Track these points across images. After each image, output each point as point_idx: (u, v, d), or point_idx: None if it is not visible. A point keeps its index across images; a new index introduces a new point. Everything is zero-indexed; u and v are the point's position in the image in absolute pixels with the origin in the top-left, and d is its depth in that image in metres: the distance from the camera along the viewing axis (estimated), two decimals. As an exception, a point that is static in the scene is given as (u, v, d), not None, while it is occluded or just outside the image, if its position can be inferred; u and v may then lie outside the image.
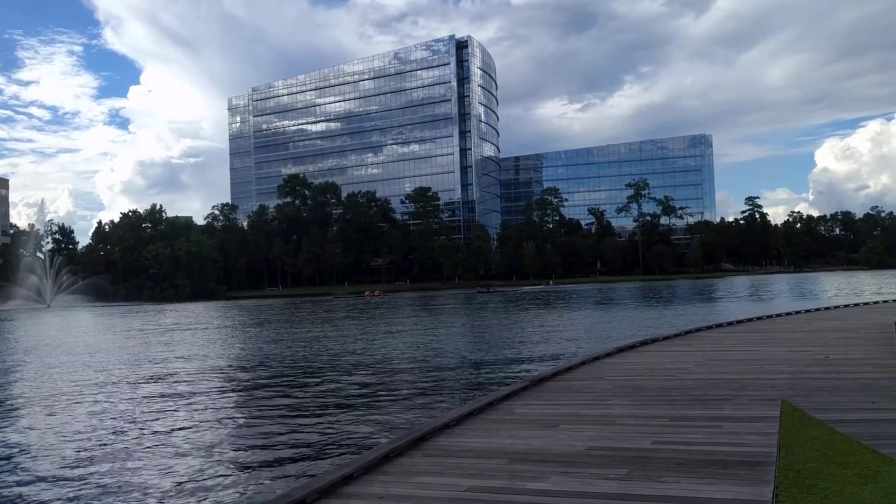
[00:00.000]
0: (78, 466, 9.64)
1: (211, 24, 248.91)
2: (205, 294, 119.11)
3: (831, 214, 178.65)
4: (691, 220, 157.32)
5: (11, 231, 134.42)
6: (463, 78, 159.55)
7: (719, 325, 19.14)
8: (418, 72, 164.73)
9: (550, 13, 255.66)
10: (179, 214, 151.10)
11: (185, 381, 17.92)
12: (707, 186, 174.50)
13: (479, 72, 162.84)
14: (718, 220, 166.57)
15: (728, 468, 5.47)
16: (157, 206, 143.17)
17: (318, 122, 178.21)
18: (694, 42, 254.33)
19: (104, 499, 8.16)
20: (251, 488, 8.33)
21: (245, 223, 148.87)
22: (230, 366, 21.28)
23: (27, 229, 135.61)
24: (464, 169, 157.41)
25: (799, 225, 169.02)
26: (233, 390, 16.55)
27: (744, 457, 5.79)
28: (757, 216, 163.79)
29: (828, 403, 7.98)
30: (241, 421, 12.66)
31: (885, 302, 27.70)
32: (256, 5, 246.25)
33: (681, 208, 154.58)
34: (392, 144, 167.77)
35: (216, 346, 28.68)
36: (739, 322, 19.85)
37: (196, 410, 13.65)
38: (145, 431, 11.86)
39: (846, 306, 26.40)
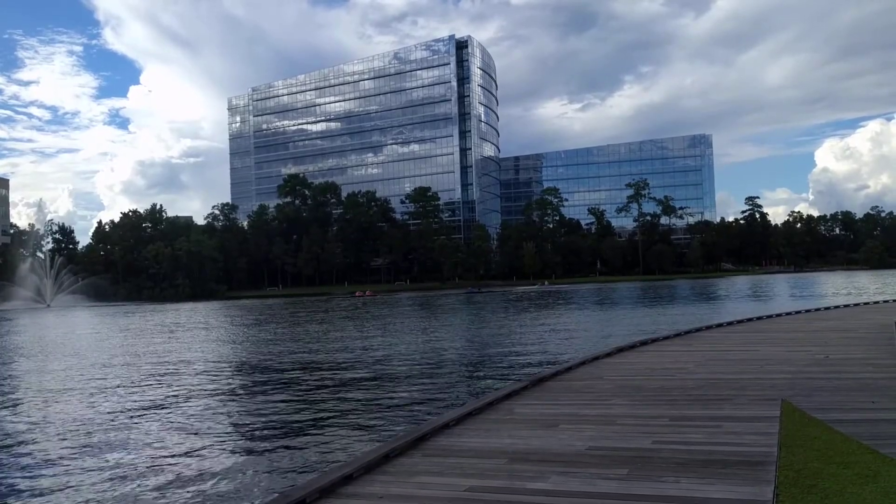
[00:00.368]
0: (75, 467, 9.63)
1: (211, 24, 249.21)
2: (205, 294, 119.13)
3: (831, 214, 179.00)
4: (691, 220, 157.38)
5: (11, 231, 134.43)
6: (463, 78, 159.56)
7: (719, 325, 19.13)
8: (418, 72, 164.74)
9: (550, 13, 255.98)
10: (179, 214, 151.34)
11: (184, 381, 17.91)
12: (707, 186, 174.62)
13: (479, 72, 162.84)
14: (718, 220, 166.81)
15: (728, 468, 5.47)
16: (158, 206, 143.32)
17: (318, 121, 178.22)
18: (694, 42, 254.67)
19: (103, 499, 8.16)
20: (251, 488, 8.32)
21: (245, 223, 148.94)
22: (228, 365, 21.28)
23: (27, 229, 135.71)
24: (464, 169, 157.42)
25: (799, 225, 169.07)
26: (230, 390, 16.54)
27: (744, 457, 5.79)
28: (757, 216, 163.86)
29: (828, 403, 7.98)
30: (239, 420, 12.65)
31: (885, 302, 27.69)
32: (256, 5, 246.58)
33: (681, 208, 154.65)
34: (392, 144, 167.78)
35: (215, 345, 28.69)
36: (739, 322, 19.84)
37: (195, 410, 13.64)
38: (145, 431, 11.85)
39: (846, 306, 26.39)
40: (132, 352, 26.79)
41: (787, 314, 22.50)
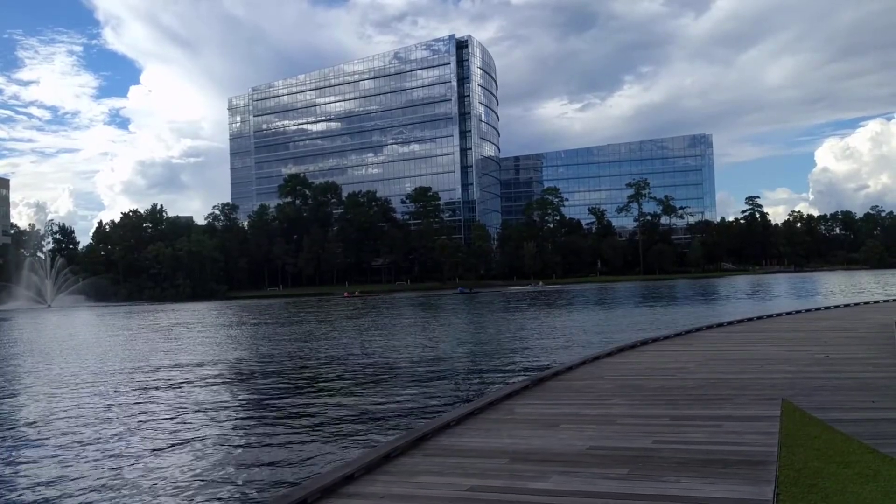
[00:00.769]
0: (74, 467, 9.64)
1: (211, 24, 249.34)
2: (205, 294, 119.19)
3: (831, 214, 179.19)
4: (692, 220, 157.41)
5: (12, 231, 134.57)
6: (463, 78, 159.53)
7: (720, 325, 19.12)
8: (418, 71, 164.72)
9: (550, 13, 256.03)
10: (180, 214, 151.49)
11: (185, 381, 17.92)
12: (707, 186, 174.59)
13: (479, 71, 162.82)
14: (719, 219, 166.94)
15: (729, 467, 5.47)
16: (158, 206, 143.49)
17: (319, 121, 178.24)
18: (694, 42, 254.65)
19: (103, 499, 8.17)
20: (252, 488, 8.33)
21: (245, 223, 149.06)
22: (229, 365, 21.28)
23: (28, 229, 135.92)
24: (464, 169, 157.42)
25: (799, 225, 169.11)
26: (231, 390, 16.55)
27: (744, 456, 5.79)
28: (757, 216, 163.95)
29: (828, 403, 7.98)
30: (240, 420, 12.67)
31: (885, 301, 27.68)
32: (256, 5, 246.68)
33: (681, 208, 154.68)
34: (392, 144, 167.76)
35: (216, 345, 28.69)
36: (740, 321, 19.84)
37: (195, 410, 13.65)
38: (145, 431, 11.87)
39: (846, 306, 26.38)
40: (132, 351, 26.80)
41: (788, 314, 22.48)
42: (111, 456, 10.18)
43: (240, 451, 10.25)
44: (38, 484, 8.89)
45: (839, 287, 61.91)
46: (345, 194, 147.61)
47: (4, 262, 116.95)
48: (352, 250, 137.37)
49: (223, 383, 17.63)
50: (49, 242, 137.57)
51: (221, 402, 14.79)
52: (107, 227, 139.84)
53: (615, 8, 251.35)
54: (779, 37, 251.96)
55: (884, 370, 10.21)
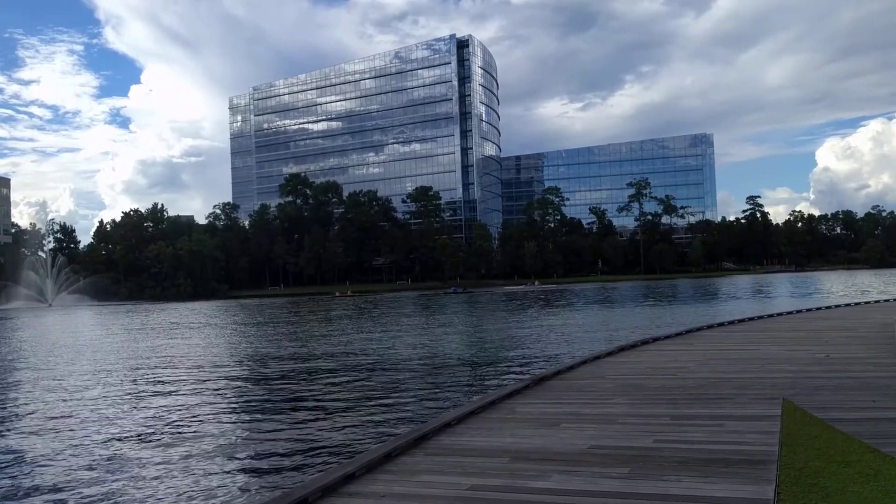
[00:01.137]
0: (74, 467, 9.65)
1: (211, 23, 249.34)
2: (206, 293, 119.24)
3: (832, 214, 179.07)
4: (692, 220, 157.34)
5: (13, 230, 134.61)
6: (464, 77, 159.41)
7: (720, 324, 19.13)
8: (419, 71, 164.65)
9: (550, 13, 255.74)
10: (181, 214, 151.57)
11: (185, 380, 17.94)
12: (708, 186, 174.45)
13: (480, 71, 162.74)
14: (719, 219, 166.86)
15: (729, 467, 5.48)
16: (159, 206, 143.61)
17: (319, 121, 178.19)
18: (694, 42, 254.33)
19: (102, 499, 8.18)
20: (253, 487, 8.34)
21: (246, 222, 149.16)
22: (230, 364, 21.31)
23: (29, 228, 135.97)
24: (465, 168, 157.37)
25: (800, 224, 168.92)
26: (232, 389, 16.56)
27: (745, 455, 5.80)
28: (758, 215, 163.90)
29: (829, 402, 7.97)
30: (241, 420, 12.68)
31: (885, 301, 27.69)
32: (256, 5, 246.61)
33: (682, 207, 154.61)
34: (393, 143, 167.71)
35: (216, 345, 28.72)
36: (740, 321, 19.85)
37: (196, 409, 13.67)
38: (145, 430, 11.87)
39: (847, 305, 26.38)
40: (133, 351, 26.82)
41: (788, 313, 22.48)
42: (111, 455, 10.19)
43: (240, 449, 10.26)
44: (39, 484, 8.90)
45: (840, 287, 61.87)
46: (346, 194, 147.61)
47: (5, 262, 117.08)
48: (353, 250, 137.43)
49: (223, 383, 17.64)
50: (50, 242, 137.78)
51: (221, 401, 14.80)
52: (108, 226, 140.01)
53: (615, 8, 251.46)
54: (779, 37, 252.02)
55: (884, 370, 10.20)
